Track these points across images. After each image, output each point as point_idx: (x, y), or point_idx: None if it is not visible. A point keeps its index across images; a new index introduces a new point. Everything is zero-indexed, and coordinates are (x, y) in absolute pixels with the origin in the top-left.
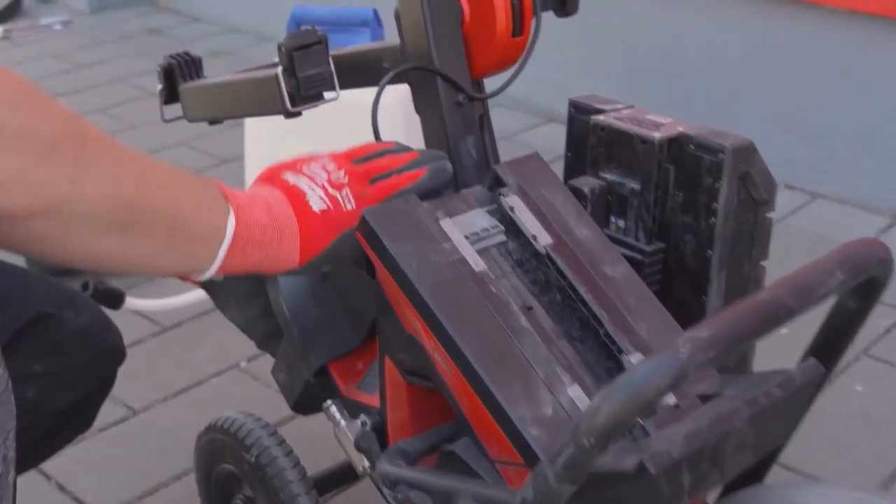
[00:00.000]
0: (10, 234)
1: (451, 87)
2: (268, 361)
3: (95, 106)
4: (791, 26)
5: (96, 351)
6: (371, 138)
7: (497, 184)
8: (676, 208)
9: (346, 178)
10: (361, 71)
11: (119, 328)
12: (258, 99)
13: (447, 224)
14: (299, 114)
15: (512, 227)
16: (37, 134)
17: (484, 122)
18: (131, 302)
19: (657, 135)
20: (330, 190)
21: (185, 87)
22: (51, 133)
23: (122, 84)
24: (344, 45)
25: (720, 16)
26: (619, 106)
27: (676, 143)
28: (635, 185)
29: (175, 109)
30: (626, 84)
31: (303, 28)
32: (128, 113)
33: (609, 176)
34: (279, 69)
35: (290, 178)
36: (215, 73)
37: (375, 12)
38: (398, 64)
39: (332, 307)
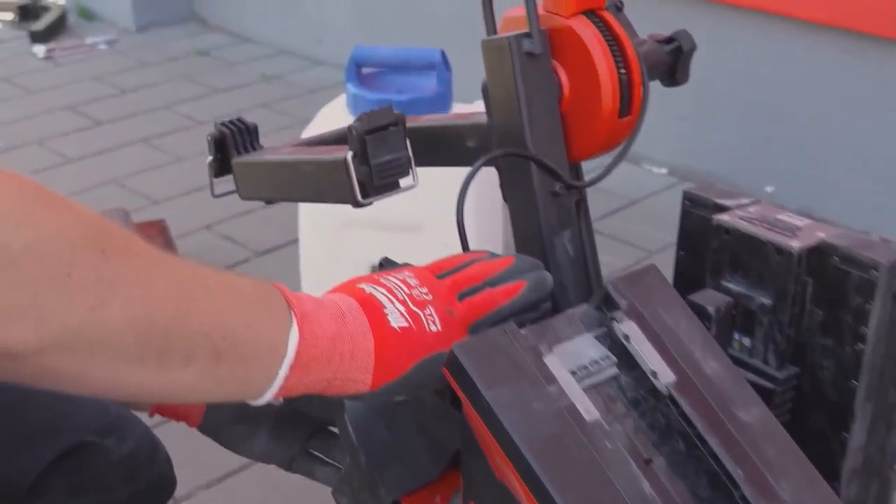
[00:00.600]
0: (17, 370)
1: (547, 175)
2: None
3: (139, 135)
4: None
5: (143, 484)
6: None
7: (607, 303)
8: (815, 328)
9: (430, 296)
10: (441, 149)
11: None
12: (323, 185)
13: (552, 360)
14: (370, 203)
15: (626, 359)
16: (48, 252)
17: (581, 210)
18: None
19: (795, 244)
20: (412, 306)
21: (239, 160)
22: (66, 249)
23: (167, 112)
24: (408, 88)
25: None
26: (744, 201)
27: (817, 254)
28: (766, 300)
29: (227, 182)
30: (705, 120)
31: (376, 107)
32: (173, 144)
33: (734, 286)
34: (349, 154)
35: (367, 288)
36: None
37: (443, 54)
38: (484, 143)
39: (408, 432)
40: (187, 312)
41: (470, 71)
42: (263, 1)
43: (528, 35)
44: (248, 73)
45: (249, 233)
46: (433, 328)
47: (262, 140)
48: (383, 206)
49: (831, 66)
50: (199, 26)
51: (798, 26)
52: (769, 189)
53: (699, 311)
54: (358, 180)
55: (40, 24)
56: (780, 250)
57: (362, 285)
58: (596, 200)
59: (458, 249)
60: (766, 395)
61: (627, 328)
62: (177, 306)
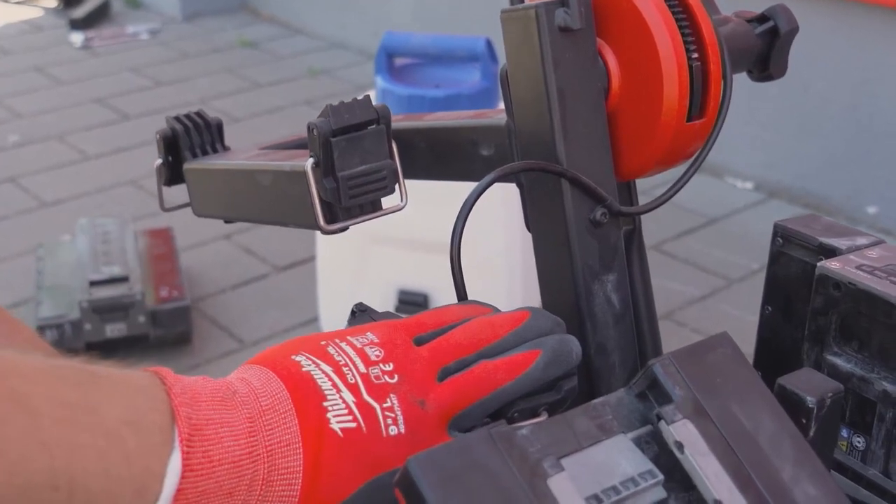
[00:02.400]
0: None
1: (585, 197)
2: None
3: None
4: None
5: None
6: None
7: (655, 392)
8: None
9: (396, 377)
10: (446, 159)
11: None
12: (283, 202)
13: (560, 483)
14: (340, 230)
15: (679, 477)
16: None
17: (633, 246)
18: None
19: None
20: (366, 395)
21: (191, 165)
22: None
23: (201, 107)
24: (447, 82)
25: None
26: (862, 242)
27: None
28: (892, 387)
29: (182, 192)
30: (798, 129)
31: (407, 105)
32: None
33: (844, 364)
34: (309, 163)
35: (306, 364)
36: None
37: (489, 43)
38: (502, 152)
39: None
40: (23, 461)
41: None
42: None
43: (564, 3)
44: (295, 68)
45: (271, 245)
46: (393, 431)
47: None
48: (412, 222)
49: None
50: (249, 16)
51: None
52: (871, 210)
53: (794, 403)
54: (321, 199)
55: (81, 12)
56: None
57: (300, 357)
58: (668, 217)
59: (498, 276)
60: None
61: (681, 432)
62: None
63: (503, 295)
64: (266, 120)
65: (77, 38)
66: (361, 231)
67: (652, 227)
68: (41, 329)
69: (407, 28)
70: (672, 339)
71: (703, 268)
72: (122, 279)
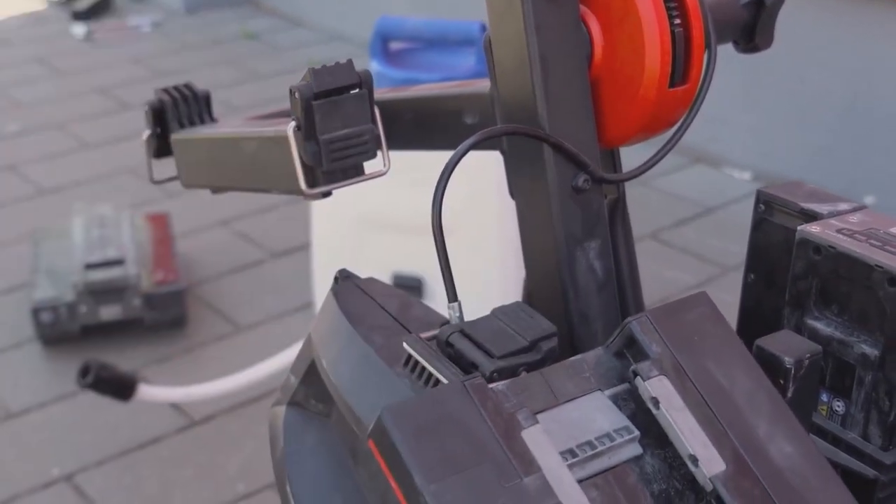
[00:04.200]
0: None
1: (567, 163)
2: None
3: None
4: None
5: None
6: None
7: (631, 349)
8: None
9: None
10: (430, 127)
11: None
12: (267, 168)
13: (535, 435)
14: (321, 195)
15: (654, 433)
16: None
17: (617, 214)
18: (147, 392)
19: None
20: None
21: (178, 136)
22: None
23: None
24: (442, 67)
25: None
26: (844, 207)
27: None
28: (871, 350)
29: (169, 166)
30: (796, 119)
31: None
32: None
33: (824, 328)
34: (290, 126)
35: None
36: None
37: (484, 27)
38: (486, 119)
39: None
40: None
41: None
42: None
43: None
44: (296, 60)
45: (268, 231)
46: None
47: None
48: (406, 205)
49: None
50: (251, 8)
51: None
52: (869, 200)
53: (772, 364)
54: (303, 162)
55: (83, 4)
56: (894, 279)
57: None
58: (665, 206)
59: (492, 256)
60: (865, 486)
61: (657, 388)
62: None
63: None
64: (265, 110)
65: (79, 29)
66: (356, 216)
67: (648, 216)
68: (36, 311)
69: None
70: None
71: (699, 256)
72: (118, 262)
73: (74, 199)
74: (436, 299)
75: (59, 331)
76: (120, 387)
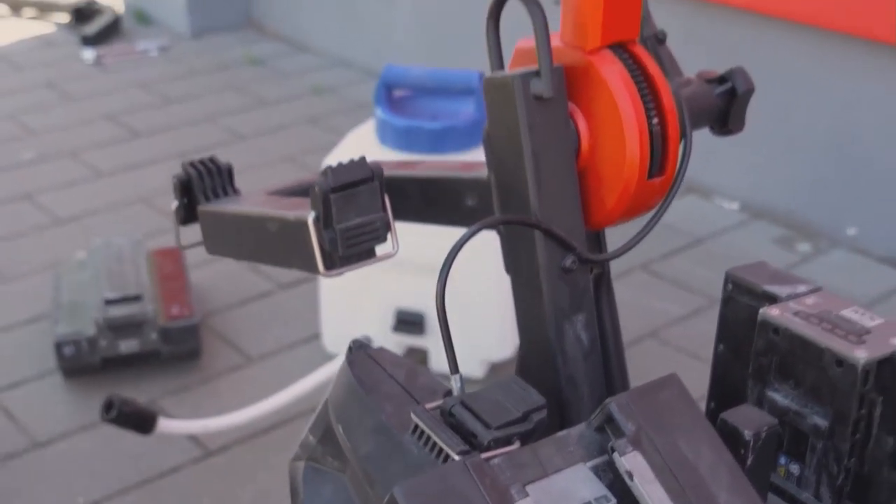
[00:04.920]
0: None
1: (556, 246)
2: None
3: (176, 149)
4: None
5: None
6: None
7: (611, 426)
8: (883, 460)
9: None
10: (435, 205)
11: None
12: (288, 248)
13: None
14: (338, 275)
15: (629, 500)
16: None
17: (603, 292)
18: (166, 425)
19: (862, 353)
20: None
21: (204, 208)
22: None
23: (208, 124)
24: (442, 114)
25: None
26: (802, 289)
27: (890, 367)
28: (822, 421)
29: (195, 231)
30: (782, 153)
31: (404, 135)
32: None
33: (782, 399)
34: (310, 216)
35: None
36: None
37: (482, 77)
38: (484, 203)
39: None
40: None
41: None
42: (323, 8)
43: (538, 74)
44: (300, 85)
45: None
46: None
47: (304, 158)
48: (412, 247)
49: None
50: (255, 33)
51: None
52: (851, 231)
53: (733, 436)
54: (321, 248)
55: (92, 28)
56: (842, 361)
57: None
58: (657, 237)
59: (491, 299)
60: None
61: (632, 462)
62: None
63: (494, 329)
64: (271, 138)
65: (89, 54)
66: None
67: (641, 248)
68: (59, 345)
69: (406, 46)
70: (656, 356)
71: (688, 287)
72: (136, 298)
73: (89, 229)
74: (435, 335)
75: (81, 363)
76: (141, 421)
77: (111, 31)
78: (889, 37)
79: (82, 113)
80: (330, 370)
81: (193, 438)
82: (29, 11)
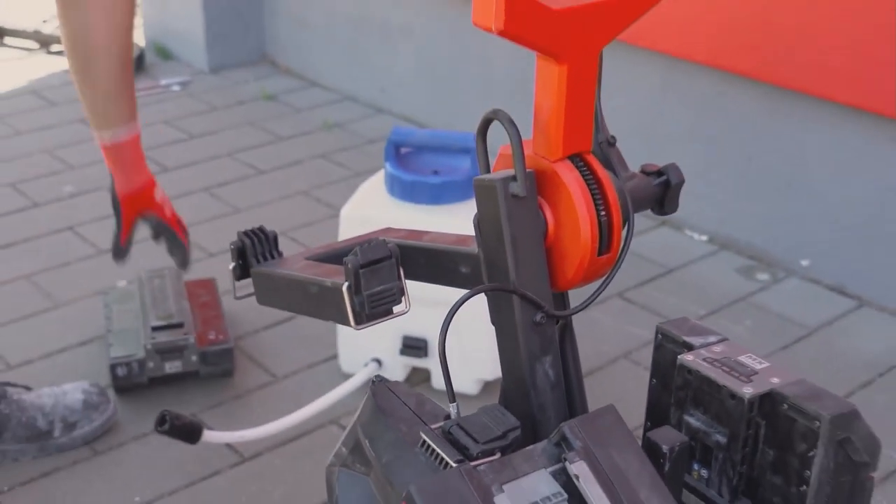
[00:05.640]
0: None
1: (529, 306)
2: None
3: (201, 183)
4: None
5: None
6: None
7: (565, 443)
8: (766, 466)
9: None
10: (437, 270)
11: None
12: (325, 305)
13: (502, 500)
14: (365, 328)
15: (577, 496)
16: None
17: (566, 339)
18: (210, 436)
19: (748, 390)
20: None
21: (257, 270)
22: None
23: (229, 159)
24: (443, 169)
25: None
26: (711, 339)
27: (769, 401)
28: (721, 438)
29: (248, 285)
30: (744, 192)
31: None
32: (232, 194)
33: (693, 422)
34: (344, 285)
35: None
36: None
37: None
38: (475, 271)
39: None
40: None
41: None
42: (331, 47)
43: (514, 178)
44: (312, 121)
45: None
46: None
47: (317, 192)
48: (417, 284)
49: (871, 151)
50: (269, 68)
51: (849, 113)
52: (805, 262)
53: (655, 449)
54: (352, 309)
55: None
56: (734, 395)
57: None
58: (633, 267)
59: (484, 327)
60: None
61: (578, 469)
62: None
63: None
64: (287, 172)
65: None
66: None
67: (619, 278)
68: (113, 366)
69: (408, 82)
70: (627, 374)
71: (658, 313)
72: (178, 325)
73: (130, 259)
74: (436, 358)
75: (131, 382)
76: (189, 432)
77: (136, 67)
78: (833, 95)
79: None
80: (346, 388)
81: (231, 447)
82: (57, 46)
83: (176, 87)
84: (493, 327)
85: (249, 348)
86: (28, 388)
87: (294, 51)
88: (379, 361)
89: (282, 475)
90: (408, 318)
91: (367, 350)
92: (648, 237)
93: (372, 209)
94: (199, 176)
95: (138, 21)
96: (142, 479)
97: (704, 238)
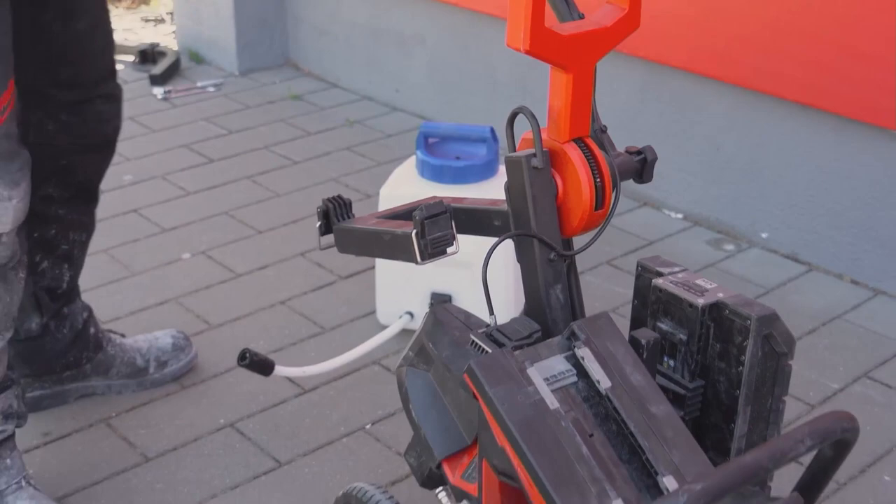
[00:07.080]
0: None
1: (545, 248)
2: (387, 425)
3: (244, 173)
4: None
5: None
6: None
7: (573, 336)
8: (714, 356)
9: None
10: (477, 224)
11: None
12: (396, 249)
13: (532, 371)
14: (427, 263)
15: (582, 372)
16: None
17: (571, 272)
18: (280, 370)
19: (701, 301)
20: None
21: (338, 226)
22: None
23: (266, 151)
24: (464, 155)
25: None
26: (676, 269)
27: (716, 308)
28: (683, 336)
29: (329, 239)
30: (713, 176)
31: (438, 170)
32: (273, 181)
33: (664, 326)
34: (413, 232)
35: None
36: (350, 141)
37: (492, 130)
38: (505, 224)
39: (450, 415)
40: None
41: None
42: (349, 53)
43: (535, 155)
44: (335, 118)
45: (338, 259)
46: None
47: (346, 179)
48: None
49: (818, 141)
50: (293, 71)
51: (799, 109)
52: (764, 235)
53: (636, 343)
54: (419, 249)
55: (159, 68)
56: (691, 305)
57: None
58: (618, 240)
59: (503, 286)
60: (681, 398)
61: (583, 352)
62: None
63: (504, 295)
64: (317, 162)
65: (158, 91)
66: None
67: (605, 248)
68: None
69: (420, 84)
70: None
71: None
72: None
73: (189, 234)
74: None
75: None
76: (263, 366)
77: (174, 71)
78: (787, 94)
79: (163, 143)
80: (385, 335)
81: (293, 381)
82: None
83: (211, 89)
84: (508, 275)
85: (300, 307)
86: (123, 336)
87: (315, 56)
88: (411, 314)
89: (336, 403)
90: (435, 277)
91: (401, 305)
92: (632, 215)
93: (406, 188)
94: (242, 166)
95: (172, 29)
96: (223, 406)
97: (680, 216)
